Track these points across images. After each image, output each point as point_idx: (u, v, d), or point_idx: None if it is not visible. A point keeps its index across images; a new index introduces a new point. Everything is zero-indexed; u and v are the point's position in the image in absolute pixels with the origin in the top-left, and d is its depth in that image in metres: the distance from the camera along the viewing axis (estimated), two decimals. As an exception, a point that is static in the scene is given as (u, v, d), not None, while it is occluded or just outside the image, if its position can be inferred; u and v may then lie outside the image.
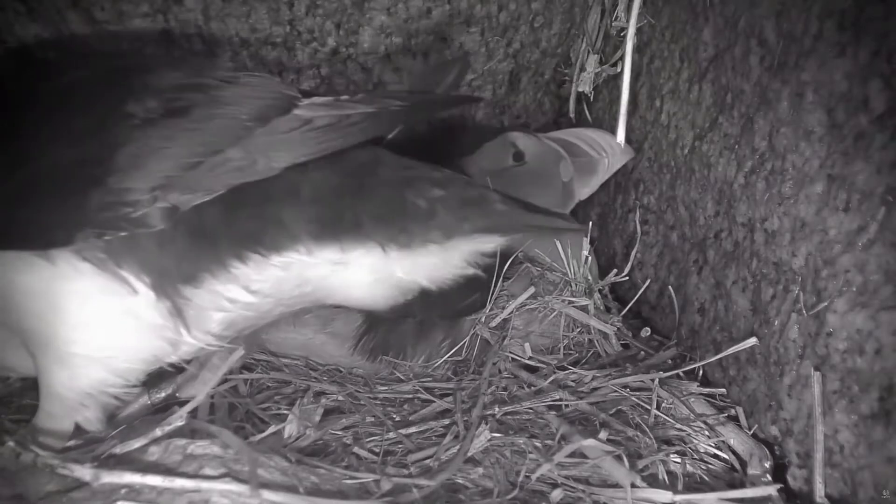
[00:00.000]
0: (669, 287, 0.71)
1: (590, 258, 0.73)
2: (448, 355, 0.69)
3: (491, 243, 0.54)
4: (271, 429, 0.53)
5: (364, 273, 0.51)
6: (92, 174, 0.45)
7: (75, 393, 0.48)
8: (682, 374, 0.62)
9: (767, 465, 0.52)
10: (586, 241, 0.72)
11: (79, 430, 0.50)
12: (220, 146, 0.46)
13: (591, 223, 0.76)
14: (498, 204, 0.53)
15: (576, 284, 0.72)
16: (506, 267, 0.69)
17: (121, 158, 0.45)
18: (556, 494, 0.47)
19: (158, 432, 0.47)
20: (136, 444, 0.46)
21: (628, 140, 0.78)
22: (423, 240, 0.51)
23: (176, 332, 0.48)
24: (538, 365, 0.66)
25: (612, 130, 0.79)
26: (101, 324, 0.47)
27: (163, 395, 0.58)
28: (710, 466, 0.53)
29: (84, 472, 0.42)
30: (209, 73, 0.50)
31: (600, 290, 0.74)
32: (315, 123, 0.48)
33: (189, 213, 0.45)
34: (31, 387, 0.52)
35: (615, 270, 0.75)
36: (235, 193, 0.46)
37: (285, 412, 0.56)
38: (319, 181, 0.49)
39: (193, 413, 0.50)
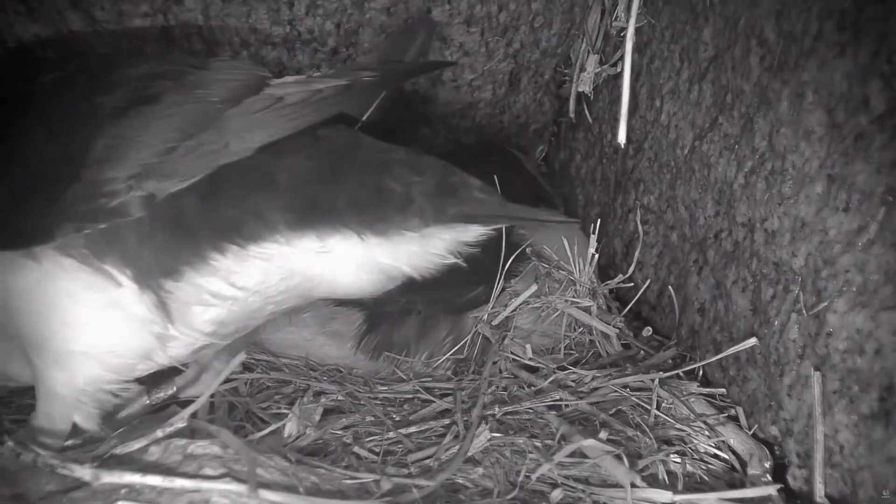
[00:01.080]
0: (669, 287, 0.70)
1: (596, 256, 0.73)
2: (451, 352, 0.68)
3: (472, 233, 0.51)
4: (271, 428, 0.53)
5: (346, 261, 0.49)
6: (66, 168, 0.44)
7: (72, 391, 0.48)
8: (682, 374, 0.62)
9: (767, 465, 0.52)
10: (593, 239, 0.72)
11: (76, 429, 0.50)
12: (194, 130, 0.45)
13: (599, 221, 0.76)
14: (477, 192, 0.51)
15: (580, 285, 0.71)
16: (509, 262, 0.69)
17: (94, 149, 0.44)
18: (556, 494, 0.47)
19: (159, 433, 0.47)
20: (137, 444, 0.46)
21: (628, 140, 0.78)
22: (399, 227, 0.49)
23: (162, 326, 0.48)
24: (538, 365, 0.66)
25: (613, 130, 0.79)
26: (91, 319, 0.47)
27: (163, 395, 0.58)
28: (710, 466, 0.53)
29: (84, 472, 0.42)
30: (178, 61, 0.50)
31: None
32: (287, 100, 0.48)
33: (166, 204, 0.45)
34: (31, 387, 0.52)
35: (620, 276, 0.75)
36: (211, 182, 0.45)
37: (285, 412, 0.56)
38: (296, 167, 0.48)
39: (193, 413, 0.50)
